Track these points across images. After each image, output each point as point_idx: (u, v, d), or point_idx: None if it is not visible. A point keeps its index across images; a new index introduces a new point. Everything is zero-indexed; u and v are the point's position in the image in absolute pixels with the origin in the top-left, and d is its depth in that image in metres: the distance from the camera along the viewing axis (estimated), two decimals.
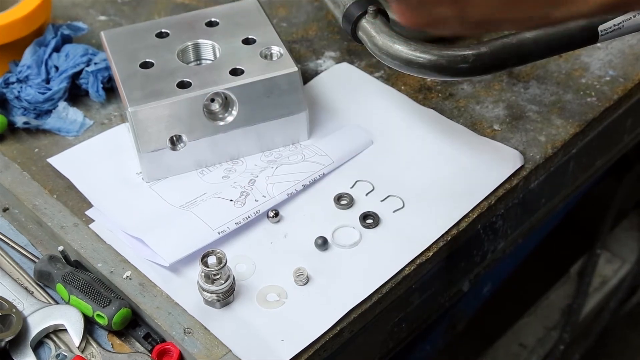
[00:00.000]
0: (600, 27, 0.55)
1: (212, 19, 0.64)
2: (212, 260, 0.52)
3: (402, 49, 0.56)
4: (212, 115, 0.60)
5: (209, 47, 0.63)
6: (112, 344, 0.51)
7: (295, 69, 0.60)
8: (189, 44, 0.63)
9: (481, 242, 0.61)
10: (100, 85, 0.64)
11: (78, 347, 0.50)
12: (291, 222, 0.58)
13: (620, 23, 0.54)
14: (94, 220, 0.57)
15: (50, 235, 0.56)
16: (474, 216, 0.57)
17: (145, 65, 0.60)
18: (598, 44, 0.60)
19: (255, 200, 0.58)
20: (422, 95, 0.66)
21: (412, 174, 0.60)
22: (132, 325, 0.52)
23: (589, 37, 0.56)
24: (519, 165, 0.60)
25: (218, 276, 0.52)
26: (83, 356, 0.50)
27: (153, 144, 0.58)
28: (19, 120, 0.62)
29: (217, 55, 0.63)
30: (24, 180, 0.58)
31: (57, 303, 0.53)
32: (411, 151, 0.62)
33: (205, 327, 0.50)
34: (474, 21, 0.38)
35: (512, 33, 0.56)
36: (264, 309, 0.52)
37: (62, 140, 0.63)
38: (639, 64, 0.67)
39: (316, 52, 0.71)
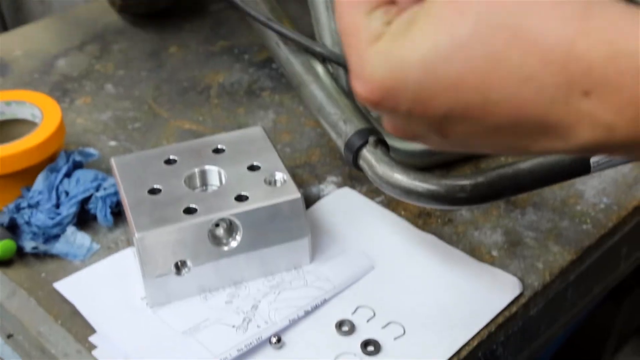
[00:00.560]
0: (592, 159, 0.57)
1: (219, 146, 0.67)
2: None
3: (402, 178, 0.58)
4: (216, 241, 0.61)
5: (215, 174, 0.65)
6: None
7: (298, 195, 0.62)
8: (196, 170, 0.65)
9: None
10: (109, 210, 0.66)
11: None
12: (292, 348, 0.58)
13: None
14: (96, 347, 0.58)
15: None
16: (475, 344, 0.58)
17: (153, 191, 0.62)
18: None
19: (258, 327, 0.58)
20: (421, 220, 0.68)
21: (412, 299, 0.61)
22: None
23: (582, 168, 0.58)
24: (518, 293, 0.61)
25: None
26: None
27: (158, 270, 0.59)
28: (28, 245, 0.64)
29: (223, 181, 0.65)
30: (30, 307, 0.59)
31: None
32: (412, 276, 0.63)
33: None
34: (454, 144, 0.39)
35: (508, 163, 0.58)
36: None
37: (69, 264, 0.64)
38: (631, 193, 0.69)
39: (318, 177, 0.73)
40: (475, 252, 0.65)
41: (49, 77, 0.87)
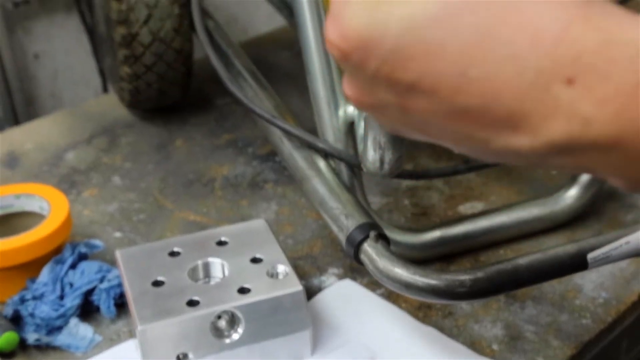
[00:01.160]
0: (589, 256, 0.58)
1: (222, 239, 0.68)
2: None
3: (403, 273, 0.59)
4: (218, 333, 0.62)
5: (218, 266, 0.66)
6: None
7: (300, 288, 0.63)
8: (199, 262, 0.66)
9: None
10: (112, 302, 0.66)
11: None
12: None
13: (607, 252, 0.58)
14: None
15: None
16: None
17: (157, 283, 0.63)
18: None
19: None
20: (422, 313, 0.68)
21: None
22: None
23: (579, 264, 0.59)
24: None
25: None
26: None
27: None
28: (31, 337, 0.64)
29: (226, 273, 0.66)
30: None
31: None
32: None
33: None
34: (411, 123, 0.36)
35: (507, 258, 0.59)
36: None
37: (71, 356, 0.64)
38: (630, 287, 0.69)
39: (320, 269, 0.74)
40: (476, 345, 0.65)
41: (58, 170, 0.89)
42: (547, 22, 0.31)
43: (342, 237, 0.64)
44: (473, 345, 0.65)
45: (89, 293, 0.67)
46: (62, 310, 0.65)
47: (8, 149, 0.93)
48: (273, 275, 0.65)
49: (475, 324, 0.67)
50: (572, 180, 0.75)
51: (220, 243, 0.68)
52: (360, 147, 0.64)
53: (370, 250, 0.61)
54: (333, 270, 0.73)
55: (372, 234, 0.62)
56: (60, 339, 0.65)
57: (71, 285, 0.67)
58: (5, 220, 0.73)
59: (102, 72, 1.33)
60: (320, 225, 0.79)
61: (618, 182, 0.34)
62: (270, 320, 0.62)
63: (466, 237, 0.73)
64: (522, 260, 0.58)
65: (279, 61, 1.11)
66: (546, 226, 0.76)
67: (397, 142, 0.53)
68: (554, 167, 0.34)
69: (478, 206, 0.81)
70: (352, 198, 0.66)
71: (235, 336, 0.62)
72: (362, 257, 0.62)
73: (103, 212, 0.82)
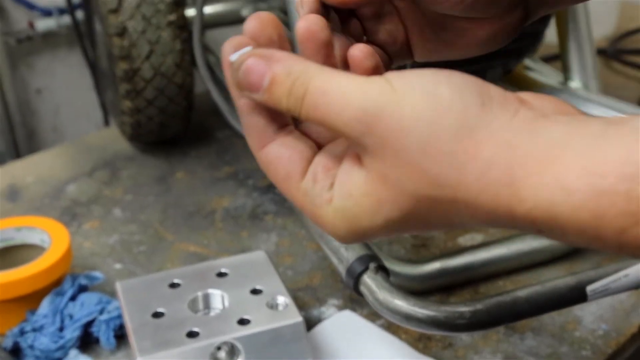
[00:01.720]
0: (589, 288, 0.58)
1: (222, 270, 0.68)
2: None
3: (402, 304, 0.59)
4: None
5: (218, 297, 0.66)
6: None
7: (300, 319, 0.63)
8: (199, 294, 0.66)
9: None
10: (112, 334, 0.66)
11: None
12: None
13: (606, 285, 0.58)
14: None
15: None
16: None
17: (157, 315, 0.63)
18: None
19: None
20: (422, 344, 0.68)
21: None
22: None
23: (578, 296, 0.59)
24: None
25: None
26: None
27: None
28: None
29: (226, 304, 0.66)
30: None
31: None
32: None
33: None
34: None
35: (506, 290, 0.59)
36: None
37: None
38: (629, 319, 0.69)
39: (319, 300, 0.74)
40: None
41: (59, 202, 0.89)
42: (492, 207, 0.33)
43: (342, 269, 0.64)
44: None
45: (89, 325, 0.67)
46: (61, 342, 0.65)
47: (9, 182, 0.94)
48: (273, 306, 0.65)
49: (475, 355, 0.67)
50: None
51: (221, 274, 0.68)
52: None
53: (370, 282, 0.62)
54: (333, 301, 0.74)
55: (372, 265, 0.62)
56: None
57: (71, 317, 0.67)
58: (6, 253, 0.73)
59: (103, 106, 1.34)
60: (320, 257, 0.79)
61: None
62: (270, 351, 0.62)
63: (466, 268, 0.74)
64: (522, 293, 0.59)
65: None
66: (545, 258, 0.76)
67: None
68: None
69: (477, 238, 0.81)
70: None
71: None
72: (362, 288, 0.62)
73: (104, 244, 0.82)
